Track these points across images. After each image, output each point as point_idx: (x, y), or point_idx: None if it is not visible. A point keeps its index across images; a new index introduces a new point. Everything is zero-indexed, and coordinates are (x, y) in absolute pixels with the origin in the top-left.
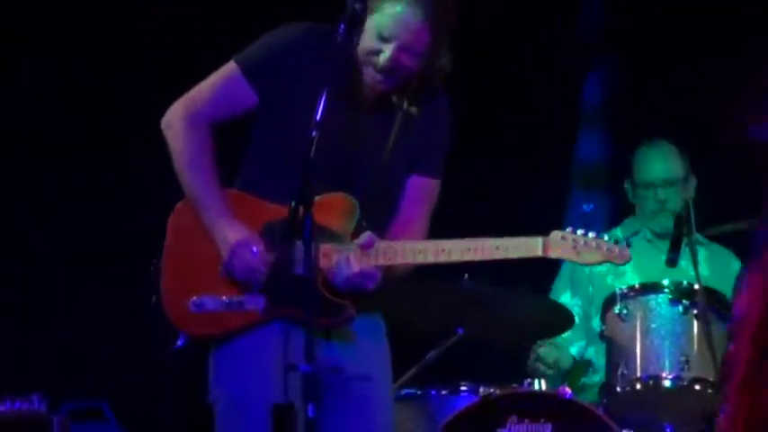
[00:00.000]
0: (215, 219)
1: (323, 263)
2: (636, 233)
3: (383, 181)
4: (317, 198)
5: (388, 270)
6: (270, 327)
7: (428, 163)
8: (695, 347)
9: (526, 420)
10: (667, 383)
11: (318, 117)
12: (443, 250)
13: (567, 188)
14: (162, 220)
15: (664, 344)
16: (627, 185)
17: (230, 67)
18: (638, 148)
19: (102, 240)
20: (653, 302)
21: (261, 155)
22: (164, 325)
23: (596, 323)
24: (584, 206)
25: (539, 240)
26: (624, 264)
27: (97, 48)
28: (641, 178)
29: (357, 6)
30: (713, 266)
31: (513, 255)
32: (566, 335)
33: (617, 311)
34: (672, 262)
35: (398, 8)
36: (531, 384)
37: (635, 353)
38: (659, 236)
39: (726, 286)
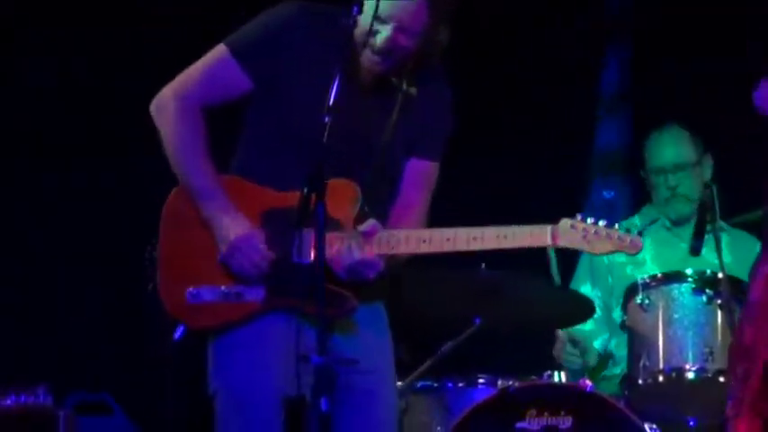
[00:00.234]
0: (213, 210)
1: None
2: (654, 221)
3: (383, 164)
4: None
5: (389, 258)
6: (270, 317)
7: (427, 145)
8: (719, 338)
9: (546, 414)
10: (691, 375)
11: (332, 101)
12: (448, 239)
13: (586, 176)
14: None
15: (687, 335)
16: (642, 173)
17: (221, 51)
18: (650, 135)
19: (104, 235)
20: (676, 292)
21: (257, 139)
22: (161, 315)
23: (617, 314)
24: (605, 193)
25: (547, 229)
26: (636, 253)
27: (97, 47)
28: (652, 164)
29: None
30: (736, 252)
31: (521, 244)
32: (587, 327)
33: (639, 301)
34: (695, 250)
35: None
36: (551, 377)
37: (657, 344)
38: (676, 223)
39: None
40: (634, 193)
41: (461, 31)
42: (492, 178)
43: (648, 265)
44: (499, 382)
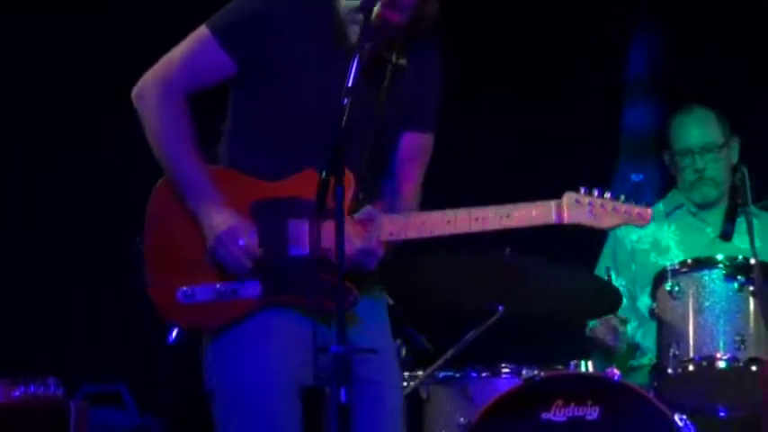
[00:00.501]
0: (199, 203)
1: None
2: (679, 207)
3: (376, 140)
4: (307, 171)
5: (386, 243)
6: (272, 310)
7: (421, 117)
8: (751, 326)
9: (572, 404)
10: (722, 364)
11: (350, 83)
12: (449, 221)
13: (614, 159)
14: None
15: (718, 322)
16: (666, 157)
17: (202, 33)
18: (673, 117)
19: (113, 228)
20: (706, 278)
21: (247, 127)
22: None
23: (641, 303)
24: (633, 176)
25: (551, 205)
26: (645, 226)
27: (96, 46)
28: (678, 146)
29: None
30: (766, 237)
31: (526, 223)
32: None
33: (668, 288)
34: (727, 235)
35: None
36: (578, 366)
37: (687, 332)
38: (701, 207)
39: None
40: (663, 176)
41: (492, 11)
42: (519, 162)
43: (673, 251)
44: (524, 372)
